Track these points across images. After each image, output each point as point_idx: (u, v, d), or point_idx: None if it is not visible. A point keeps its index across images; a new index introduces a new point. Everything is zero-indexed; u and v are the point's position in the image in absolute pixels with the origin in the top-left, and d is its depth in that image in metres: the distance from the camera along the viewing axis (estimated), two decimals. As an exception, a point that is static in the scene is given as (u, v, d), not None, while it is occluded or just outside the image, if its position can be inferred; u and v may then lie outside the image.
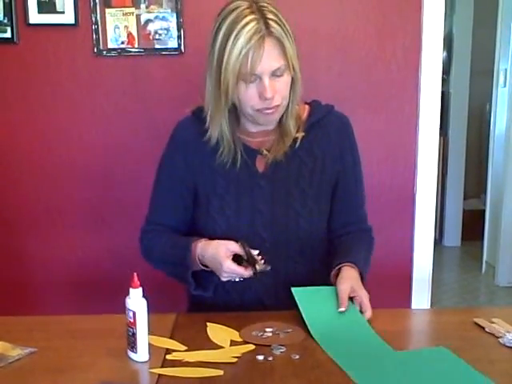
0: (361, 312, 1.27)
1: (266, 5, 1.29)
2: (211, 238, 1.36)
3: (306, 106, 1.47)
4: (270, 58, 1.26)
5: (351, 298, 1.29)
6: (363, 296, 1.29)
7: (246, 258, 1.29)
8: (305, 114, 1.45)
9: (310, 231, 1.42)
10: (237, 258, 1.30)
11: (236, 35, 1.25)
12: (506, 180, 3.69)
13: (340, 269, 1.34)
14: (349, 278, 1.31)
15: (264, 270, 1.29)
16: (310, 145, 1.44)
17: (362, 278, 1.34)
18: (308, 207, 1.42)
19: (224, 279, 1.32)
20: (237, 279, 1.33)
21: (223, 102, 1.33)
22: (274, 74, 1.29)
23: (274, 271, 1.36)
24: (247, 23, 1.25)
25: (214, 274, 1.33)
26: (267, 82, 1.28)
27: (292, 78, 1.33)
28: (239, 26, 1.25)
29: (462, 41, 4.39)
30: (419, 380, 1.04)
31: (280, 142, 1.41)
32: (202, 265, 1.34)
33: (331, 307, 1.27)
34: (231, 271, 1.29)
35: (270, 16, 1.27)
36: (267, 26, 1.26)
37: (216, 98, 1.33)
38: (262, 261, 1.30)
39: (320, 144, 1.44)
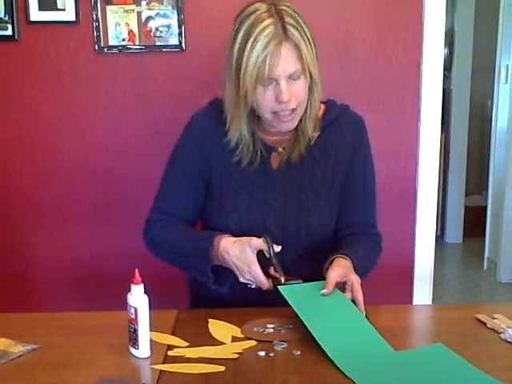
0: (353, 300, 1.25)
1: (284, 8, 1.29)
2: (223, 233, 1.35)
3: (322, 106, 1.47)
4: (286, 63, 1.27)
5: (344, 285, 1.27)
6: (354, 280, 1.25)
7: (269, 254, 1.28)
8: (320, 114, 1.45)
9: (321, 230, 1.43)
10: (258, 256, 1.29)
11: (254, 40, 1.25)
12: (507, 176, 3.68)
13: (332, 261, 1.32)
14: (339, 266, 1.28)
15: (295, 281, 1.28)
16: (324, 144, 1.44)
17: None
18: (320, 206, 1.42)
19: (242, 280, 1.31)
20: (253, 286, 1.32)
21: (242, 108, 1.33)
22: (291, 78, 1.29)
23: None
24: (265, 27, 1.25)
25: (231, 271, 1.32)
26: (283, 86, 1.28)
27: (310, 81, 1.33)
28: (257, 30, 1.25)
29: (463, 37, 4.38)
30: (420, 380, 1.04)
31: (296, 141, 1.41)
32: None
33: (322, 301, 1.24)
34: (255, 277, 1.28)
35: (288, 20, 1.27)
36: (285, 30, 1.26)
37: (236, 103, 1.34)
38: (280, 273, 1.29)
39: (333, 144, 1.45)
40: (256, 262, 1.28)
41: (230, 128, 1.39)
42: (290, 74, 1.28)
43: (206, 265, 1.33)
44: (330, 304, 1.24)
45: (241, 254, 1.29)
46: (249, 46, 1.26)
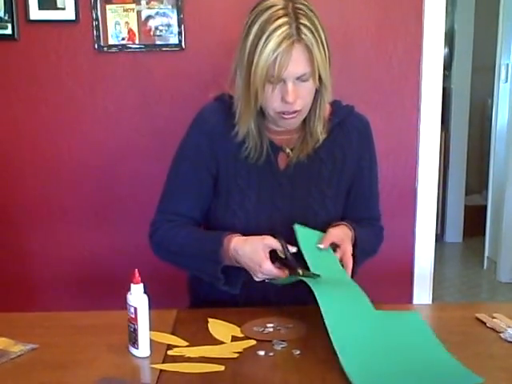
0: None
1: (301, 6, 1.27)
2: (231, 232, 1.33)
3: (328, 106, 1.45)
4: (296, 64, 1.25)
5: (335, 247, 1.32)
6: (347, 250, 1.31)
7: (283, 254, 1.25)
8: (326, 115, 1.44)
9: (326, 231, 1.42)
10: (271, 254, 1.26)
11: (267, 38, 1.23)
12: (507, 175, 3.68)
13: (338, 225, 1.37)
14: (341, 230, 1.35)
15: (310, 276, 1.23)
16: (331, 146, 1.44)
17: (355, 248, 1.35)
18: (326, 208, 1.42)
19: (258, 279, 1.29)
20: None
21: (253, 105, 1.32)
22: (299, 79, 1.28)
23: None
24: (279, 26, 1.23)
25: (242, 269, 1.30)
26: (290, 87, 1.27)
27: (320, 85, 1.32)
28: (271, 28, 1.23)
29: (463, 36, 4.38)
30: (391, 343, 1.11)
31: (304, 142, 1.40)
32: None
33: (319, 255, 1.31)
34: (268, 273, 1.25)
35: (303, 21, 1.25)
36: (298, 31, 1.24)
37: (246, 100, 1.32)
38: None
39: (341, 145, 1.44)
40: (265, 260, 1.24)
41: (238, 122, 1.37)
42: (298, 76, 1.27)
43: (215, 266, 1.31)
44: (325, 260, 1.30)
45: (251, 253, 1.26)
46: (261, 44, 1.24)
